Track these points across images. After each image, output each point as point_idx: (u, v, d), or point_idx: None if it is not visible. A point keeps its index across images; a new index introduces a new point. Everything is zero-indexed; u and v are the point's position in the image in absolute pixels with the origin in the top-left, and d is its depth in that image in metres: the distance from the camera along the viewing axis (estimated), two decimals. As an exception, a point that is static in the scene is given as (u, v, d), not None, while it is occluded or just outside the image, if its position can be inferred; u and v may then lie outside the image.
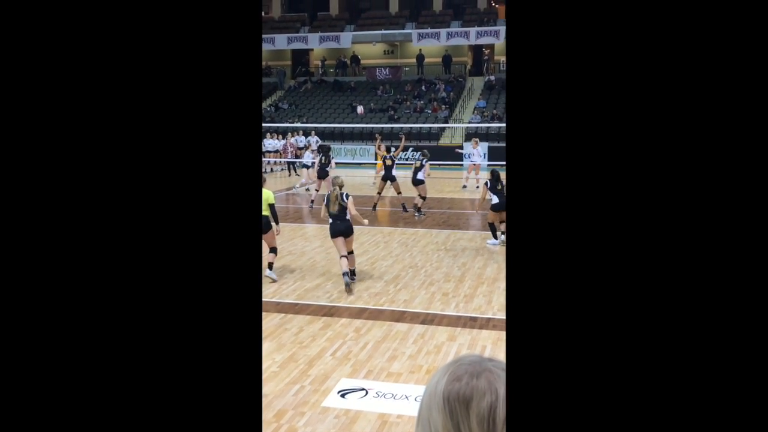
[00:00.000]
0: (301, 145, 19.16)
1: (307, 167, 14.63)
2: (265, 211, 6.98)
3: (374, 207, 12.09)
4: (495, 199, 8.84)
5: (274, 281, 7.19)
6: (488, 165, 15.98)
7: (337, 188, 7.01)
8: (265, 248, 7.23)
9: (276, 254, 7.38)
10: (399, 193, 12.09)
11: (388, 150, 12.91)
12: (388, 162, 12.16)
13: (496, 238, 9.02)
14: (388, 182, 12.12)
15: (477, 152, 16.69)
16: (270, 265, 7.24)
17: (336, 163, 15.70)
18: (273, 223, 7.11)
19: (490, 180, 9.01)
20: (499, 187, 8.82)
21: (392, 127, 22.35)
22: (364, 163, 19.94)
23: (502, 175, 8.42)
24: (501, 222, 8.90)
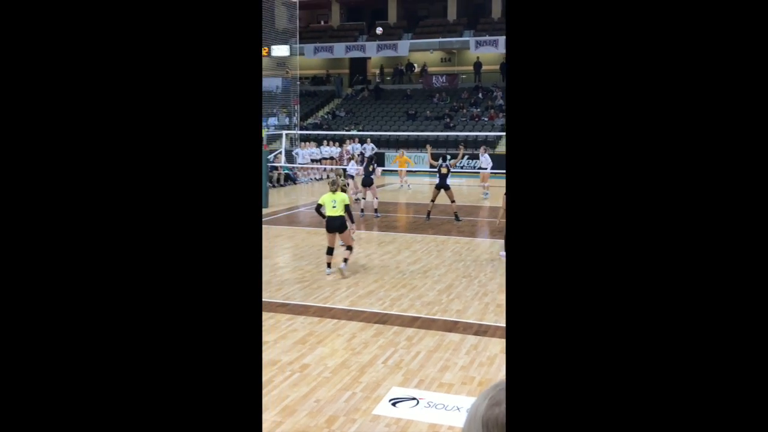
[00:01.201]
0: (357, 152, 19.24)
1: (352, 177, 14.44)
2: (343, 212, 7.69)
3: (428, 216, 12.06)
4: None
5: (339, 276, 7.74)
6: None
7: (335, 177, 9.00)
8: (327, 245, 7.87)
9: (352, 251, 7.98)
10: (453, 201, 12.04)
11: (444, 158, 12.82)
12: (444, 170, 12.11)
13: None
14: (442, 191, 12.09)
15: (485, 159, 16.30)
16: (345, 261, 7.83)
17: (387, 171, 15.67)
18: (349, 222, 7.77)
19: None
20: None
21: (447, 135, 22.28)
22: (419, 171, 19.91)
23: None
24: None
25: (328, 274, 7.85)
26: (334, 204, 7.70)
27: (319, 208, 7.80)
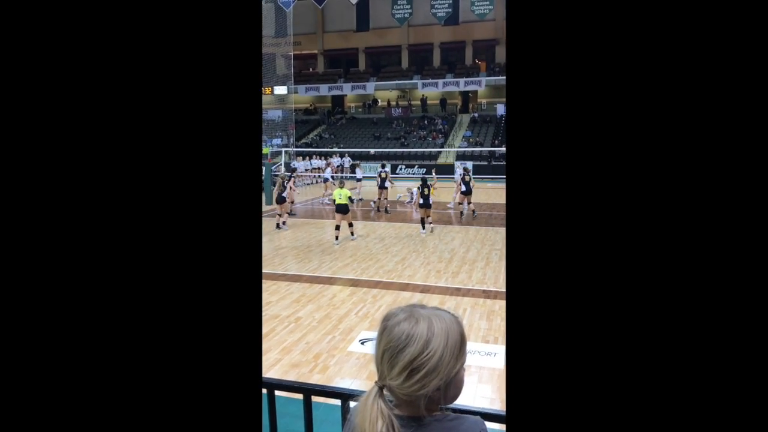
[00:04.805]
0: (337, 164, 18.97)
1: (327, 180, 14.31)
2: (347, 201, 8.18)
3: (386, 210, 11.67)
4: (422, 201, 9.14)
5: None
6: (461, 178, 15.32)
7: (282, 177, 9.87)
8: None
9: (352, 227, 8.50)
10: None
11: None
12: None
13: (424, 228, 9.20)
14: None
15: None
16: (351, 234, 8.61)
17: (362, 177, 15.50)
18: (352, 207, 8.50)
19: (420, 186, 9.16)
20: (426, 192, 9.08)
21: (402, 151, 22.24)
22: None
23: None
24: (427, 216, 9.16)
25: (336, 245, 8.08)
26: (340, 196, 8.20)
27: (334, 200, 8.44)
